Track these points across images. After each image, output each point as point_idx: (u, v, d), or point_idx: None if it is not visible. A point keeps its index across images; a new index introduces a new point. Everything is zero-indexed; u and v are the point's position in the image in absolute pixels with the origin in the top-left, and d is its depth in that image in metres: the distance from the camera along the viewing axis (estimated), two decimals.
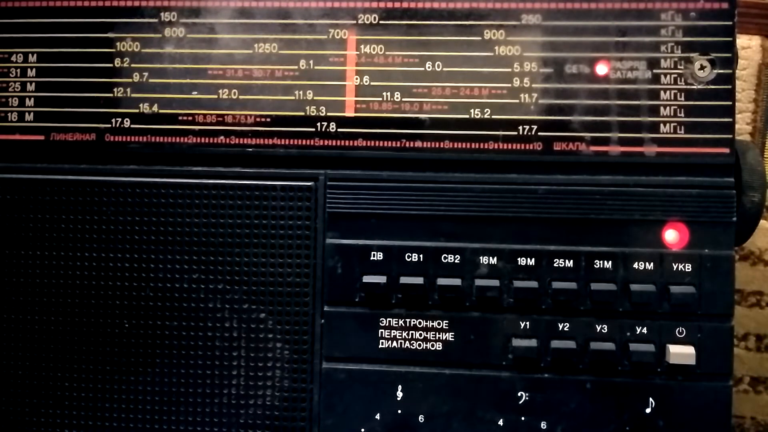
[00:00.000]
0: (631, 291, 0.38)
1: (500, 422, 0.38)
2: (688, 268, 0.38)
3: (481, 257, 0.39)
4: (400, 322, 0.39)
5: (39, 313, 0.40)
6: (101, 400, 0.40)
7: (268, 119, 0.40)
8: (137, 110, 0.40)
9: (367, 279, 0.39)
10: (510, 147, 0.39)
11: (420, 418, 0.39)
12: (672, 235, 0.38)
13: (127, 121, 0.40)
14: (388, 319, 0.39)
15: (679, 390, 0.38)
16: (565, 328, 0.38)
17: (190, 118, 0.40)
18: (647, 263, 0.38)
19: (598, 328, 0.38)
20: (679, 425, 0.38)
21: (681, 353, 0.37)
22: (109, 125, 0.40)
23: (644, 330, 0.38)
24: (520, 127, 0.38)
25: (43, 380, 0.40)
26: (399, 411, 0.39)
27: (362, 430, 0.39)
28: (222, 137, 0.40)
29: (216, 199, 0.40)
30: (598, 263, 0.38)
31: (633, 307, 0.38)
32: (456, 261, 0.39)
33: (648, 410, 0.38)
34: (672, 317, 0.38)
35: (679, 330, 0.38)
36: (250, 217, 0.40)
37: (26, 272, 0.40)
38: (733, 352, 0.38)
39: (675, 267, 0.38)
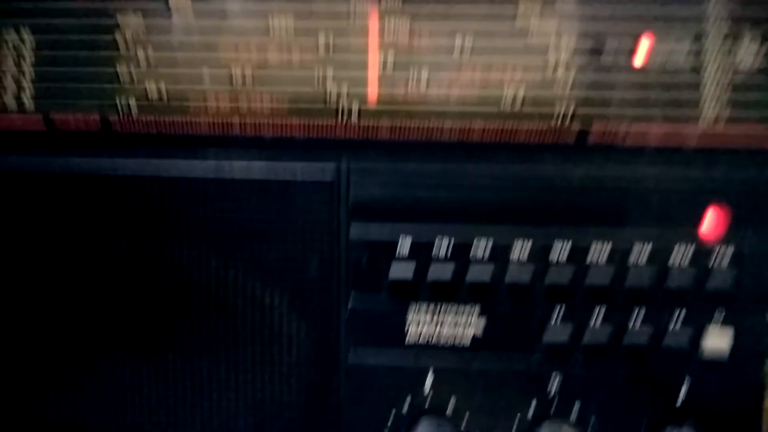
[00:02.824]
0: (668, 278, 0.36)
1: (531, 413, 0.38)
2: (728, 255, 0.36)
3: (512, 246, 0.37)
4: (428, 311, 0.38)
5: (49, 304, 0.39)
6: (114, 393, 0.39)
7: (285, 101, 0.37)
8: (144, 91, 0.37)
9: (394, 268, 0.37)
10: (544, 131, 0.36)
11: (448, 409, 0.38)
12: (713, 221, 0.36)
13: (133, 103, 0.38)
14: (415, 309, 0.38)
15: (713, 379, 0.37)
16: (599, 317, 0.37)
17: (202, 100, 0.37)
18: (687, 250, 0.36)
19: (633, 317, 0.37)
20: (712, 413, 0.37)
21: (716, 342, 0.37)
22: (115, 107, 0.38)
23: (680, 318, 0.37)
24: (555, 110, 0.36)
25: (51, 373, 0.39)
26: (427, 402, 0.38)
27: (389, 421, 0.38)
28: (236, 120, 0.37)
29: (233, 185, 0.37)
30: (635, 250, 0.37)
31: (670, 294, 0.37)
32: (486, 250, 0.37)
33: (682, 398, 0.37)
34: (709, 305, 0.37)
35: (715, 319, 0.37)
36: (271, 205, 0.37)
37: (33, 262, 0.39)
38: None
39: (715, 254, 0.36)
